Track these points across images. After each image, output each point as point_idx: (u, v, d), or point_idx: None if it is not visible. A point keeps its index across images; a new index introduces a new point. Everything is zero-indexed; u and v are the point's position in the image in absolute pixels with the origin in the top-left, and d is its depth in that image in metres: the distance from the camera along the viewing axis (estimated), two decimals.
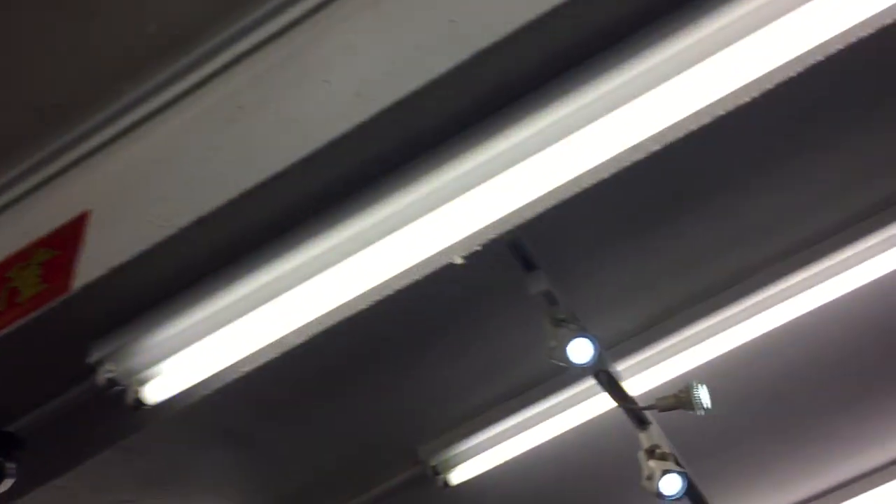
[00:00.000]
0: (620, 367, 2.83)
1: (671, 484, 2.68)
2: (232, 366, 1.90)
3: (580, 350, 2.33)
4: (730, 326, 2.81)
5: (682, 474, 2.68)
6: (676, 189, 2.57)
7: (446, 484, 3.05)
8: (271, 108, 1.77)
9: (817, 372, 3.06)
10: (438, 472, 3.02)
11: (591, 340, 2.33)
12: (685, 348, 2.83)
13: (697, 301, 2.84)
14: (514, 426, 2.96)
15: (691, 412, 2.51)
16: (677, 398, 2.51)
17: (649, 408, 2.59)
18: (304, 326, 1.81)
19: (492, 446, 2.98)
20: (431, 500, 3.18)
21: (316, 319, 1.79)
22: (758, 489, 3.49)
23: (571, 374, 2.91)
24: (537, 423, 2.94)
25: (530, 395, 2.96)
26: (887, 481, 3.41)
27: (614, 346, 2.87)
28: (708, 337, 2.82)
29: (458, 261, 1.80)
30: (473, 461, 3.01)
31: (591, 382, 2.85)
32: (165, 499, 2.98)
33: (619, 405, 2.64)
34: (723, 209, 2.66)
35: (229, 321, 1.75)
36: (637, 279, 2.77)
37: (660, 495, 2.67)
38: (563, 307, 2.39)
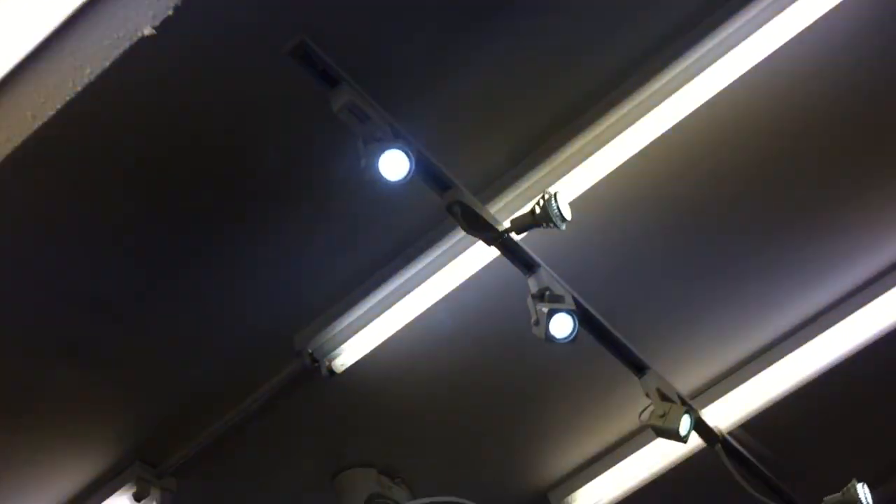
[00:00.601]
0: (494, 208, 2.45)
1: (561, 325, 2.31)
2: None
3: (393, 164, 1.94)
4: (618, 133, 2.37)
5: (571, 312, 2.31)
6: None
7: (332, 372, 2.70)
8: None
9: (737, 178, 2.62)
10: (317, 359, 2.66)
11: (404, 151, 1.94)
12: (567, 171, 2.43)
13: (576, 114, 2.43)
14: (389, 295, 2.57)
15: (552, 227, 2.12)
16: (533, 214, 2.13)
17: (506, 231, 2.20)
18: None
19: (370, 321, 2.60)
20: (321, 393, 2.83)
21: None
22: (693, 345, 3.07)
23: (442, 229, 2.55)
24: (414, 288, 2.57)
25: (404, 257, 2.58)
26: (841, 319, 2.97)
27: (487, 187, 2.50)
28: (592, 153, 2.41)
29: (148, 31, 1.43)
30: (354, 341, 2.64)
31: (462, 234, 2.49)
32: (9, 425, 2.67)
33: (480, 238, 2.25)
34: None
35: None
36: (492, 96, 2.36)
37: (550, 339, 2.30)
38: (378, 122, 2.00)
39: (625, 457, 3.32)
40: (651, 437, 3.29)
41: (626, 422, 3.29)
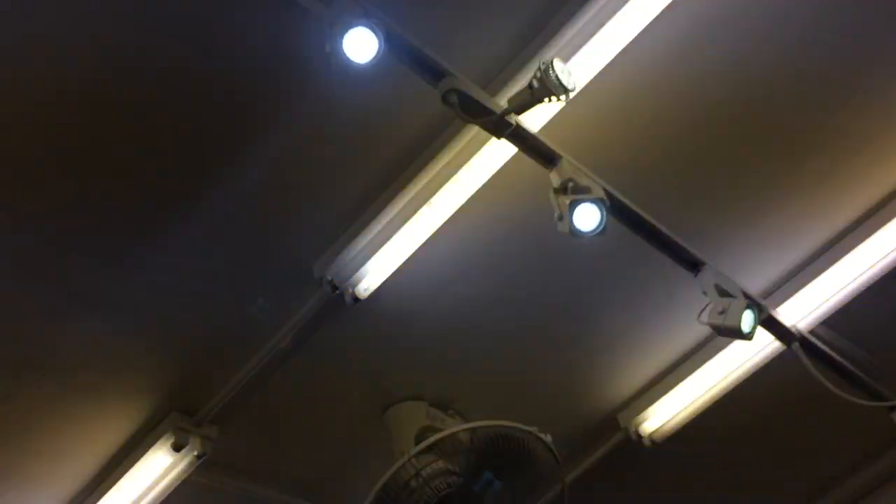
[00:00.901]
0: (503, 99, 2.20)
1: (586, 216, 2.08)
2: None
3: (359, 45, 1.72)
4: None
5: (596, 201, 2.07)
6: None
7: (356, 298, 2.52)
8: None
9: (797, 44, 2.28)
10: (337, 286, 2.49)
11: (370, 28, 1.71)
12: (582, 45, 2.15)
13: None
14: (405, 207, 2.36)
15: (556, 100, 1.87)
16: (531, 89, 1.88)
17: (505, 112, 1.96)
18: None
19: (389, 238, 2.39)
20: (353, 324, 2.66)
21: None
22: (758, 240, 2.76)
23: (454, 128, 2.32)
24: (431, 196, 2.34)
25: (416, 166, 2.37)
26: None
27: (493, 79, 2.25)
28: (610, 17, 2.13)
29: None
30: (375, 263, 2.43)
31: (472, 131, 2.27)
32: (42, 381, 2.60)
33: (479, 125, 2.02)
34: None
35: None
36: None
37: (575, 233, 2.07)
38: (345, 3, 1.77)
39: (695, 369, 3.05)
40: (721, 345, 3.03)
41: (693, 331, 3.03)
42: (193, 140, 2.24)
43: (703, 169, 2.57)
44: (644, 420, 3.16)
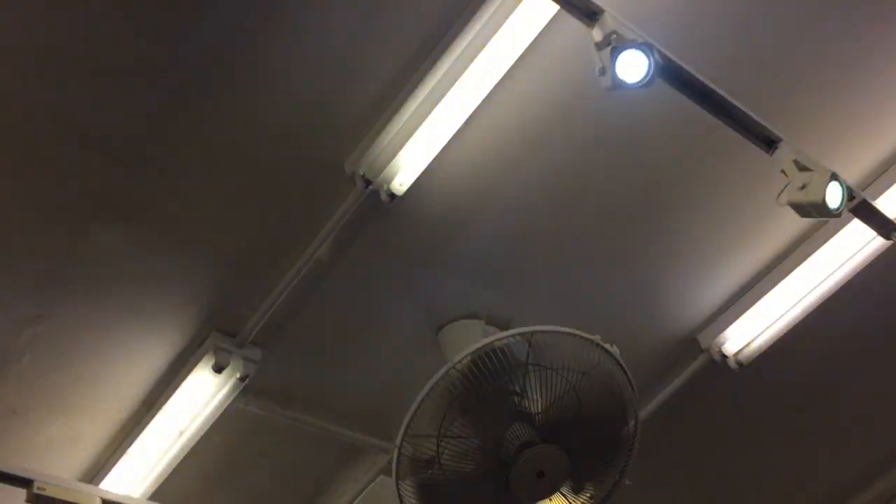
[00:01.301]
0: None
1: (631, 65, 1.83)
2: None
3: None
4: None
5: (643, 46, 1.80)
6: None
7: (392, 195, 2.31)
8: None
9: None
10: (369, 180, 2.28)
11: None
12: None
13: None
14: (437, 85, 2.13)
15: None
16: None
17: None
18: None
19: (422, 121, 2.17)
20: (390, 229, 2.45)
21: None
22: (851, 120, 2.41)
23: None
24: (462, 73, 2.10)
25: (445, 42, 2.13)
26: None
27: None
28: None
29: None
30: (410, 151, 2.21)
31: None
32: (73, 298, 2.48)
33: None
34: None
35: None
36: None
37: (619, 85, 1.81)
38: None
39: (783, 277, 2.73)
40: (808, 251, 2.69)
41: (778, 234, 2.71)
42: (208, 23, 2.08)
43: (777, 34, 2.27)
44: (727, 339, 2.86)
